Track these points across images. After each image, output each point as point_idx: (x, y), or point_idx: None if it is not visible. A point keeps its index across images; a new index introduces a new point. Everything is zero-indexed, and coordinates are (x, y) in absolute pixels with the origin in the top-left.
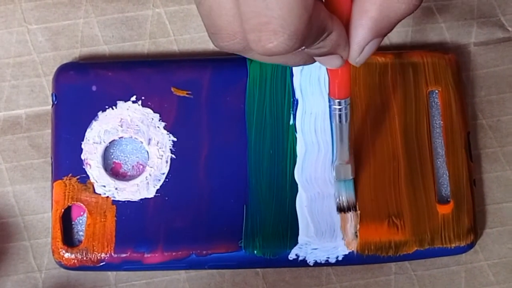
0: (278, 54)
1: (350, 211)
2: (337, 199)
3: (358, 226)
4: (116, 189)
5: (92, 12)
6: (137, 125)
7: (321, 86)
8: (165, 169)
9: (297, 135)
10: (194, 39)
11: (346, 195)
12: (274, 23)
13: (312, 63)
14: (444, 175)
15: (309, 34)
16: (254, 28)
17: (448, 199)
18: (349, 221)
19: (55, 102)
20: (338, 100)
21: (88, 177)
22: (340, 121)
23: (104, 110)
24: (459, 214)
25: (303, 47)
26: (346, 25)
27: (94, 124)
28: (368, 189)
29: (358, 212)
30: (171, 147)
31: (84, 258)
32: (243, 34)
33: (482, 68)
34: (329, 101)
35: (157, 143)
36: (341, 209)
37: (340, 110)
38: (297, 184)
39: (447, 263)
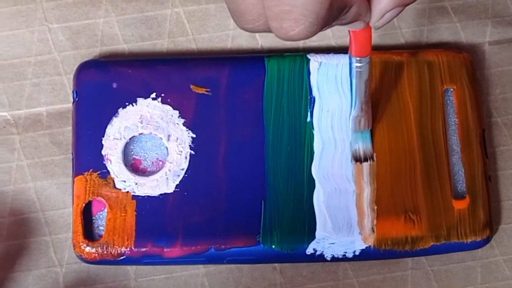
0: (300, 40)
1: (366, 161)
2: (353, 149)
3: (375, 221)
4: (136, 184)
5: (112, 11)
6: (156, 122)
7: (338, 84)
8: (184, 164)
9: (314, 132)
10: (212, 38)
11: (363, 145)
12: (296, 12)
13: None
14: (460, 171)
15: (330, 17)
16: (276, 16)
17: (464, 195)
18: (366, 216)
19: (76, 99)
20: (358, 58)
21: (108, 172)
22: (360, 78)
23: (124, 106)
24: (475, 210)
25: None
26: None
27: (115, 120)
28: (384, 185)
29: (375, 207)
30: (190, 143)
31: (105, 252)
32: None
33: (496, 66)
34: (350, 59)
35: (177, 139)
36: (356, 159)
37: (360, 67)
38: (314, 180)
39: (463, 258)
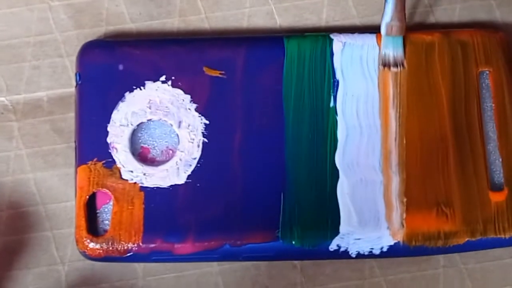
0: None
1: (396, 67)
2: (383, 53)
3: (405, 215)
4: (144, 174)
5: None
6: (166, 107)
7: (363, 66)
8: (197, 153)
9: (338, 118)
10: (227, 16)
11: (394, 51)
12: None
13: None
14: (497, 161)
15: None
16: None
17: (502, 186)
18: (395, 209)
19: (80, 82)
20: None
21: (114, 161)
22: None
23: (131, 90)
24: None
25: None
26: None
27: (121, 105)
28: (415, 176)
29: (405, 199)
30: (203, 130)
31: (110, 248)
32: None
33: None
34: None
35: (188, 126)
36: (385, 64)
37: None
38: (338, 170)
39: (501, 255)
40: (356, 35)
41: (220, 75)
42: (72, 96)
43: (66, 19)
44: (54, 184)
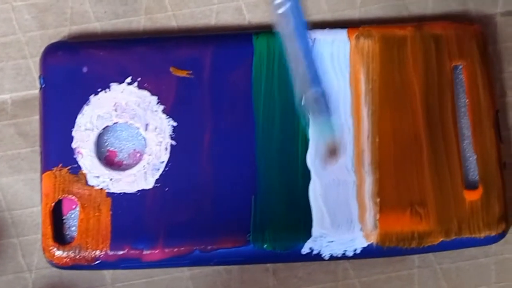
0: None
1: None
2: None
3: (378, 216)
4: (111, 180)
5: None
6: (133, 109)
7: (334, 62)
8: (165, 157)
9: (309, 117)
10: (195, 14)
11: (329, 136)
12: None
13: None
14: (471, 158)
15: None
16: None
17: (476, 185)
18: (368, 210)
19: (43, 86)
20: None
21: (80, 167)
22: (287, 26)
23: (96, 93)
24: (489, 201)
25: None
26: None
27: (86, 109)
28: (388, 174)
29: (378, 200)
30: (170, 133)
31: (78, 257)
32: None
33: (510, 40)
34: None
35: (155, 128)
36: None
37: (281, 4)
38: (310, 171)
39: (476, 254)
40: (326, 31)
41: (187, 75)
42: (36, 98)
43: (29, 19)
44: (19, 189)
